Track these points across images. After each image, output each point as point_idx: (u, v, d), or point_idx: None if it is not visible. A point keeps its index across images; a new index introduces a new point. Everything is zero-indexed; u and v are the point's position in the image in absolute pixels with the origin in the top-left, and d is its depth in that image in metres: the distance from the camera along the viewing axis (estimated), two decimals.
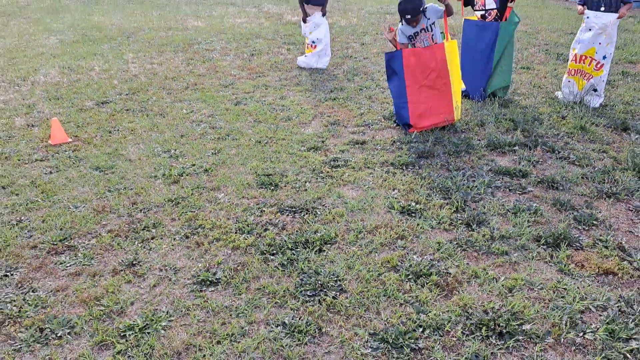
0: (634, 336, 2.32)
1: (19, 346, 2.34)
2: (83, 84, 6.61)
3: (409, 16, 4.77)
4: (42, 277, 2.83)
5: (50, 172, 4.13)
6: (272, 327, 2.42)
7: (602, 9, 5.06)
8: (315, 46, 7.26)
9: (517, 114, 5.19)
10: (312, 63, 7.31)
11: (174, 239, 3.18)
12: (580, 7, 5.26)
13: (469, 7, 5.66)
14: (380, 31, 10.04)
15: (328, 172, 4.05)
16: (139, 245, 3.12)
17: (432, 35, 4.91)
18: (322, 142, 4.66)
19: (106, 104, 5.84)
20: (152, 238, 3.19)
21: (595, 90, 5.31)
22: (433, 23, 4.90)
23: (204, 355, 2.26)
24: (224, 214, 3.45)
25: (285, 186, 3.83)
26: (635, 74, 6.75)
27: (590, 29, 5.13)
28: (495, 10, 5.44)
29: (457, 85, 4.81)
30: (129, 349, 2.30)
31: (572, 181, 3.81)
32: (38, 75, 6.95)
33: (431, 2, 5.01)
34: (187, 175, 4.04)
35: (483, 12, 5.54)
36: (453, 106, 4.79)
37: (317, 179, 3.95)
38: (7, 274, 2.85)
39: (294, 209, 3.49)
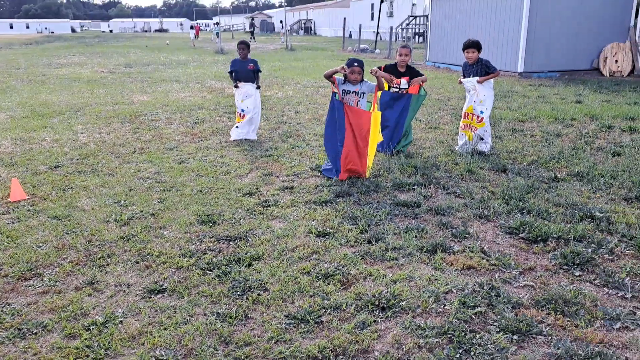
0: (479, 304, 3.14)
1: (2, 340, 2.88)
2: (36, 152, 7.18)
3: (356, 64, 5.76)
4: (15, 296, 3.38)
5: (13, 222, 4.67)
6: (208, 316, 3.08)
7: (471, 76, 6.39)
8: (244, 115, 7.77)
9: (420, 162, 6.21)
10: (245, 135, 7.83)
11: (127, 264, 3.81)
12: (460, 78, 6.57)
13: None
14: (313, 101, 11.21)
15: (260, 210, 4.82)
16: (97, 270, 3.72)
17: (359, 101, 5.92)
18: (257, 189, 5.45)
19: (59, 167, 6.44)
20: (108, 265, 3.80)
21: (482, 138, 6.49)
22: (364, 93, 5.92)
23: (154, 337, 2.89)
24: (169, 245, 4.12)
25: (222, 222, 4.55)
26: (522, 130, 8.06)
27: (468, 92, 6.39)
28: (406, 89, 6.64)
29: (372, 150, 5.76)
30: (93, 336, 2.90)
31: (455, 209, 4.74)
32: None
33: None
34: (136, 219, 4.68)
35: (397, 90, 6.68)
36: (367, 166, 5.73)
37: (250, 216, 4.70)
38: None
39: (229, 238, 4.21)
